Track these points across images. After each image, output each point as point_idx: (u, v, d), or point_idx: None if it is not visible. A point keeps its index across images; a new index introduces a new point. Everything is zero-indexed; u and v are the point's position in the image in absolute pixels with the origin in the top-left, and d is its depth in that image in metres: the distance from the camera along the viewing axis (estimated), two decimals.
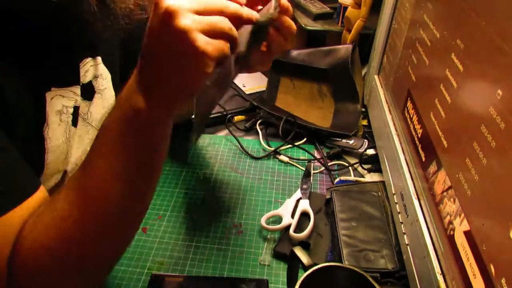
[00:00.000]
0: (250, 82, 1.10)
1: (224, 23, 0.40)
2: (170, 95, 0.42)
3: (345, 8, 1.04)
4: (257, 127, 0.95)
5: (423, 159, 0.58)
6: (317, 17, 1.13)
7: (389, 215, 0.68)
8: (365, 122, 0.96)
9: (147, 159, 0.44)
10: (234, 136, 0.91)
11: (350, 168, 0.84)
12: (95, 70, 0.58)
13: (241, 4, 0.43)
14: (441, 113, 0.53)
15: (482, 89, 0.43)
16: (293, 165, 0.85)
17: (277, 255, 0.65)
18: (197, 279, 0.61)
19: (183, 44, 0.38)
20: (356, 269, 0.45)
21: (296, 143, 0.90)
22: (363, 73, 1.02)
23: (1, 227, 0.42)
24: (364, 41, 1.01)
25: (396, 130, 0.72)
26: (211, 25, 0.39)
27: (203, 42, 0.38)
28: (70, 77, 0.53)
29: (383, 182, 0.75)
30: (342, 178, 0.80)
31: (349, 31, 1.03)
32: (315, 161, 0.85)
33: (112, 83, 0.63)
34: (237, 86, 1.09)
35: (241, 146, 0.89)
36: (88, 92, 0.57)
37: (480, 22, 0.45)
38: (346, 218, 0.67)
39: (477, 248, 0.40)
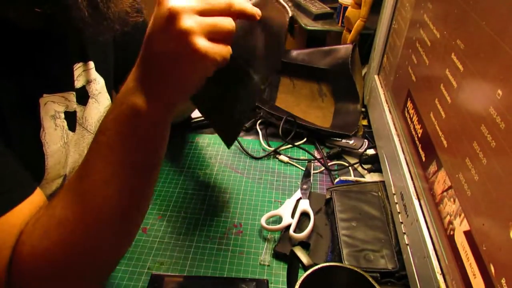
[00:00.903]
0: None
1: (227, 25, 0.40)
2: (170, 95, 0.42)
3: (345, 8, 1.04)
4: (257, 127, 0.95)
5: (423, 159, 0.58)
6: (317, 17, 1.13)
7: (389, 215, 0.68)
8: (365, 122, 0.96)
9: (146, 160, 0.44)
10: None
11: (350, 168, 0.84)
12: (87, 75, 0.58)
13: None
14: (441, 113, 0.53)
15: (482, 89, 0.43)
16: (293, 165, 0.85)
17: (277, 255, 0.65)
18: (197, 279, 0.61)
19: (184, 46, 0.38)
20: (356, 269, 0.45)
21: (296, 143, 0.90)
22: (363, 73, 1.02)
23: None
24: (364, 41, 1.01)
25: (396, 130, 0.72)
26: (214, 27, 0.39)
27: (204, 46, 0.38)
28: (62, 83, 0.53)
29: (383, 182, 0.75)
30: (342, 178, 0.80)
31: (349, 31, 1.03)
32: (315, 161, 0.86)
33: (106, 87, 0.63)
34: None
35: (241, 146, 0.89)
36: (82, 97, 0.57)
37: (480, 22, 0.45)
38: (346, 218, 0.67)
39: (477, 248, 0.40)
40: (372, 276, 0.44)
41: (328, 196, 0.73)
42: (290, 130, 0.90)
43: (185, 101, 0.44)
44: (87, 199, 0.42)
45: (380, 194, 0.73)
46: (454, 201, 0.47)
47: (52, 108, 0.51)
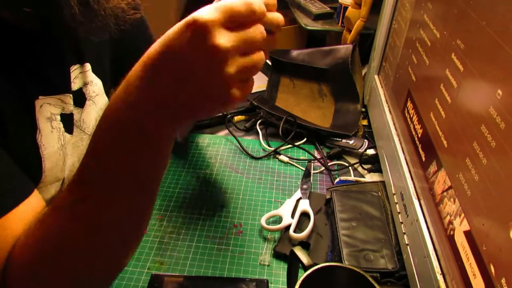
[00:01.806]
0: None
1: (259, 36, 0.37)
2: (185, 117, 0.38)
3: (345, 8, 1.04)
4: (257, 127, 0.95)
5: (423, 159, 0.58)
6: (317, 17, 1.13)
7: (389, 215, 0.68)
8: (365, 122, 0.96)
9: (149, 175, 0.41)
10: (234, 136, 0.91)
11: (350, 168, 0.84)
12: (83, 77, 0.58)
13: None
14: (441, 113, 0.53)
15: (482, 89, 0.43)
16: (293, 165, 0.85)
17: (277, 255, 0.65)
18: (197, 279, 0.61)
19: (221, 88, 0.35)
20: (356, 269, 0.45)
21: (296, 143, 0.90)
22: (363, 73, 1.02)
23: None
24: (364, 41, 1.01)
25: (396, 130, 0.72)
26: (246, 42, 0.35)
27: (240, 94, 0.36)
28: (58, 85, 0.53)
29: (383, 182, 0.75)
30: (342, 178, 0.80)
31: (349, 31, 1.03)
32: (315, 161, 0.85)
33: (104, 89, 0.62)
34: None
35: (241, 146, 0.89)
36: (79, 99, 0.57)
37: (480, 22, 0.45)
38: (346, 218, 0.67)
39: (477, 248, 0.40)
40: (372, 276, 0.44)
41: (328, 196, 0.73)
42: (290, 130, 0.90)
43: (198, 118, 0.40)
44: (83, 220, 0.40)
45: (380, 194, 0.73)
46: (454, 201, 0.47)
47: (48, 110, 0.50)
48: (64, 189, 0.42)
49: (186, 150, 0.88)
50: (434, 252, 0.51)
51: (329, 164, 0.85)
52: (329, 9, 1.15)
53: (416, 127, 0.62)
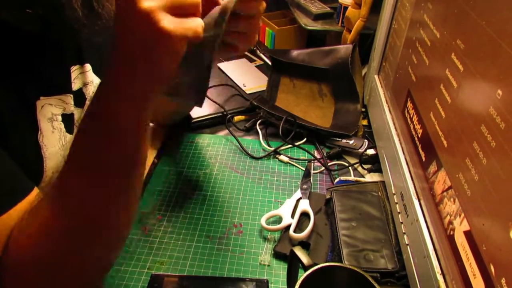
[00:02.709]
0: (250, 82, 1.10)
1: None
2: (140, 89, 0.40)
3: (345, 8, 1.04)
4: (257, 127, 0.95)
5: (423, 159, 0.58)
6: (317, 17, 1.13)
7: (389, 215, 0.68)
8: (365, 122, 0.96)
9: (123, 159, 0.42)
10: (234, 136, 0.91)
11: (350, 168, 0.84)
12: (84, 77, 0.58)
13: None
14: (441, 113, 0.53)
15: (482, 89, 0.43)
16: (293, 165, 0.85)
17: (277, 255, 0.65)
18: (197, 279, 0.61)
19: (148, 28, 0.36)
20: (356, 269, 0.45)
21: (296, 143, 0.90)
22: (363, 73, 1.02)
23: None
24: (364, 41, 1.01)
25: (396, 130, 0.72)
26: (175, 1, 0.37)
27: (169, 21, 0.36)
28: (59, 86, 0.53)
29: (383, 182, 0.75)
30: (342, 178, 0.80)
31: (349, 31, 1.03)
32: (315, 161, 0.85)
33: None
34: (237, 85, 1.09)
35: (241, 146, 0.89)
36: (79, 99, 0.57)
37: (480, 22, 0.45)
38: (346, 218, 0.67)
39: (477, 248, 0.40)
40: (372, 276, 0.44)
41: (328, 196, 0.73)
42: (290, 130, 0.90)
43: (158, 93, 0.41)
44: (68, 201, 0.42)
45: (380, 194, 0.73)
46: (454, 201, 0.47)
47: (49, 111, 0.51)
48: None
49: (183, 149, 0.88)
50: (434, 252, 0.51)
51: (329, 164, 0.85)
52: (329, 9, 1.15)
53: (416, 127, 0.63)
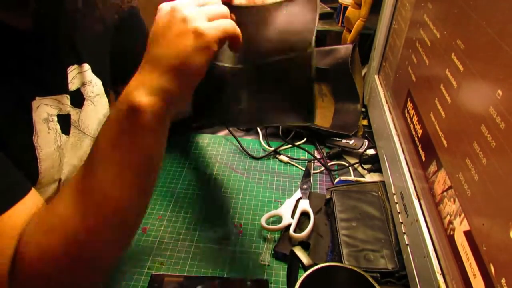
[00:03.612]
0: None
1: (221, 7, 0.46)
2: (172, 87, 0.43)
3: (345, 8, 1.04)
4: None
5: (423, 159, 0.58)
6: None
7: (389, 215, 0.68)
8: (365, 122, 0.96)
9: (149, 158, 0.44)
10: (234, 136, 0.91)
11: (350, 168, 0.84)
12: (82, 77, 0.58)
13: None
14: (441, 113, 0.53)
15: (482, 89, 0.43)
16: (293, 165, 0.85)
17: (277, 255, 0.65)
18: (197, 279, 0.61)
19: (185, 27, 0.42)
20: (356, 269, 0.45)
21: (296, 143, 0.90)
22: (363, 73, 1.02)
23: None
24: (364, 41, 1.01)
25: (396, 130, 0.72)
26: (211, 10, 0.44)
27: (204, 24, 0.42)
28: (55, 86, 0.53)
29: (383, 182, 0.75)
30: (342, 178, 0.80)
31: (349, 31, 1.03)
32: (315, 161, 0.85)
33: (104, 89, 0.62)
34: None
35: (241, 146, 0.89)
36: (77, 99, 0.57)
37: (480, 22, 0.45)
38: (346, 218, 0.67)
39: (477, 248, 0.40)
40: (372, 276, 0.44)
41: (328, 196, 0.73)
42: (290, 130, 0.90)
43: (189, 91, 0.45)
44: (90, 198, 0.42)
45: (380, 194, 0.73)
46: (454, 201, 0.47)
47: (45, 111, 0.51)
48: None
49: (183, 149, 0.88)
50: (434, 252, 0.51)
51: (329, 164, 0.85)
52: (329, 9, 1.15)
53: (416, 127, 0.62)
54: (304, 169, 0.83)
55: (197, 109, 0.55)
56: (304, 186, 0.77)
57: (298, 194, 0.76)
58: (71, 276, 0.44)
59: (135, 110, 0.41)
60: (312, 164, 0.84)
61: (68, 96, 0.54)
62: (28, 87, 0.49)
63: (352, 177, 0.81)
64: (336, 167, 0.85)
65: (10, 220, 0.42)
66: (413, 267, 0.56)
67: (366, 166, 0.83)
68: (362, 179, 0.80)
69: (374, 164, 0.83)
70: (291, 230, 0.67)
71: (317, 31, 0.52)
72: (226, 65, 0.52)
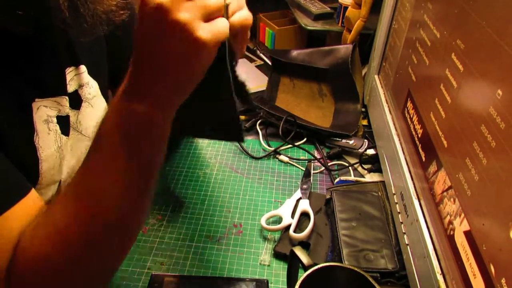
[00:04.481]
0: (250, 82, 1.10)
1: (216, 1, 0.39)
2: (170, 95, 0.41)
3: (345, 8, 1.04)
4: (257, 127, 0.95)
5: (423, 159, 0.58)
6: (317, 17, 1.13)
7: (389, 215, 0.68)
8: (365, 122, 0.96)
9: (147, 162, 0.43)
10: None
11: (350, 168, 0.84)
12: (79, 79, 0.58)
13: None
14: (441, 113, 0.53)
15: (482, 89, 0.43)
16: (293, 165, 0.85)
17: (277, 255, 0.65)
18: (197, 279, 0.61)
19: (184, 39, 0.37)
20: (356, 269, 0.45)
21: (296, 143, 0.90)
22: (363, 73, 1.02)
23: None
24: (364, 41, 1.01)
25: (396, 130, 0.72)
26: (206, 8, 0.38)
27: (204, 31, 0.37)
28: (54, 87, 0.53)
29: (383, 182, 0.75)
30: (342, 178, 0.80)
31: (349, 31, 1.03)
32: (315, 161, 0.85)
33: (101, 91, 0.62)
34: None
35: (241, 146, 0.89)
36: (75, 101, 0.57)
37: (480, 22, 0.45)
38: (346, 218, 0.67)
39: (477, 248, 0.40)
40: (372, 276, 0.44)
41: (328, 196, 0.73)
42: (290, 130, 0.90)
43: (185, 96, 0.43)
44: (90, 205, 0.42)
45: (380, 194, 0.73)
46: (454, 201, 0.47)
47: (45, 113, 0.51)
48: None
49: (183, 149, 0.88)
50: (434, 252, 0.51)
51: (329, 164, 0.85)
52: (329, 9, 1.15)
53: (416, 127, 0.63)
54: (304, 169, 0.83)
55: None
56: (304, 186, 0.77)
57: (298, 194, 0.76)
58: (67, 284, 0.44)
59: (135, 116, 0.40)
60: (312, 164, 0.84)
61: (67, 97, 0.54)
62: (28, 89, 0.49)
63: (352, 177, 0.81)
64: (336, 167, 0.85)
65: (7, 222, 0.42)
66: (413, 267, 0.56)
67: (366, 166, 0.83)
68: (362, 179, 0.80)
69: (374, 164, 0.83)
70: (291, 230, 0.67)
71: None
72: None
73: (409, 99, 0.67)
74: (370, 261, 0.60)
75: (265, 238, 0.69)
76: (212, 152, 0.88)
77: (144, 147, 0.42)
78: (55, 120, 0.52)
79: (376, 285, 0.43)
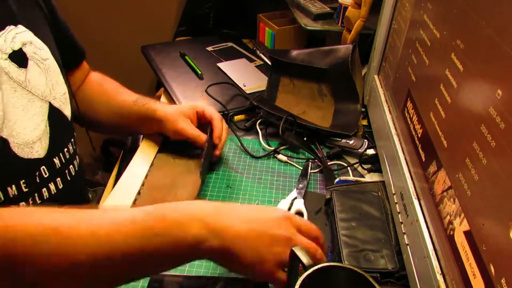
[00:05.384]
0: (250, 82, 1.10)
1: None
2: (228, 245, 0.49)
3: (345, 8, 1.04)
4: (257, 127, 0.95)
5: (423, 159, 0.58)
6: (317, 17, 1.13)
7: (389, 215, 0.68)
8: (365, 122, 0.96)
9: (143, 269, 0.49)
10: (236, 136, 0.91)
11: (349, 168, 0.84)
12: (21, 37, 0.60)
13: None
14: (441, 113, 0.53)
15: (482, 89, 0.43)
16: (292, 165, 0.85)
17: None
18: (197, 279, 0.61)
19: (285, 251, 0.48)
20: (356, 269, 0.45)
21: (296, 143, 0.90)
22: (363, 73, 1.02)
23: None
24: (364, 41, 1.01)
25: (396, 130, 0.72)
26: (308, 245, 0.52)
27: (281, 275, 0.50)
28: None
29: (383, 182, 0.75)
30: (342, 178, 0.80)
31: (349, 31, 1.03)
32: (315, 161, 0.85)
33: (53, 56, 0.65)
34: (238, 85, 1.09)
35: (242, 146, 0.89)
36: (20, 59, 0.58)
37: (480, 22, 0.45)
38: (346, 218, 0.67)
39: (477, 248, 0.40)
40: (372, 276, 0.44)
41: (328, 196, 0.73)
42: (290, 130, 0.90)
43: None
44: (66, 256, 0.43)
45: (380, 194, 0.73)
46: (454, 201, 0.47)
47: None
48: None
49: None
50: (434, 252, 0.51)
51: (328, 164, 0.85)
52: (329, 9, 1.15)
53: (416, 127, 0.63)
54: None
55: None
56: (300, 186, 0.77)
57: (293, 193, 0.75)
58: None
59: (196, 249, 0.47)
60: (310, 163, 0.84)
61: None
62: None
63: (352, 177, 0.81)
64: (336, 167, 0.85)
65: None
66: (413, 267, 0.56)
67: (366, 166, 0.83)
68: (362, 179, 0.80)
69: (374, 164, 0.83)
70: None
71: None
72: None
73: (409, 99, 0.67)
74: (370, 261, 0.60)
75: None
76: None
77: (156, 261, 0.48)
78: None
79: (376, 285, 0.43)
